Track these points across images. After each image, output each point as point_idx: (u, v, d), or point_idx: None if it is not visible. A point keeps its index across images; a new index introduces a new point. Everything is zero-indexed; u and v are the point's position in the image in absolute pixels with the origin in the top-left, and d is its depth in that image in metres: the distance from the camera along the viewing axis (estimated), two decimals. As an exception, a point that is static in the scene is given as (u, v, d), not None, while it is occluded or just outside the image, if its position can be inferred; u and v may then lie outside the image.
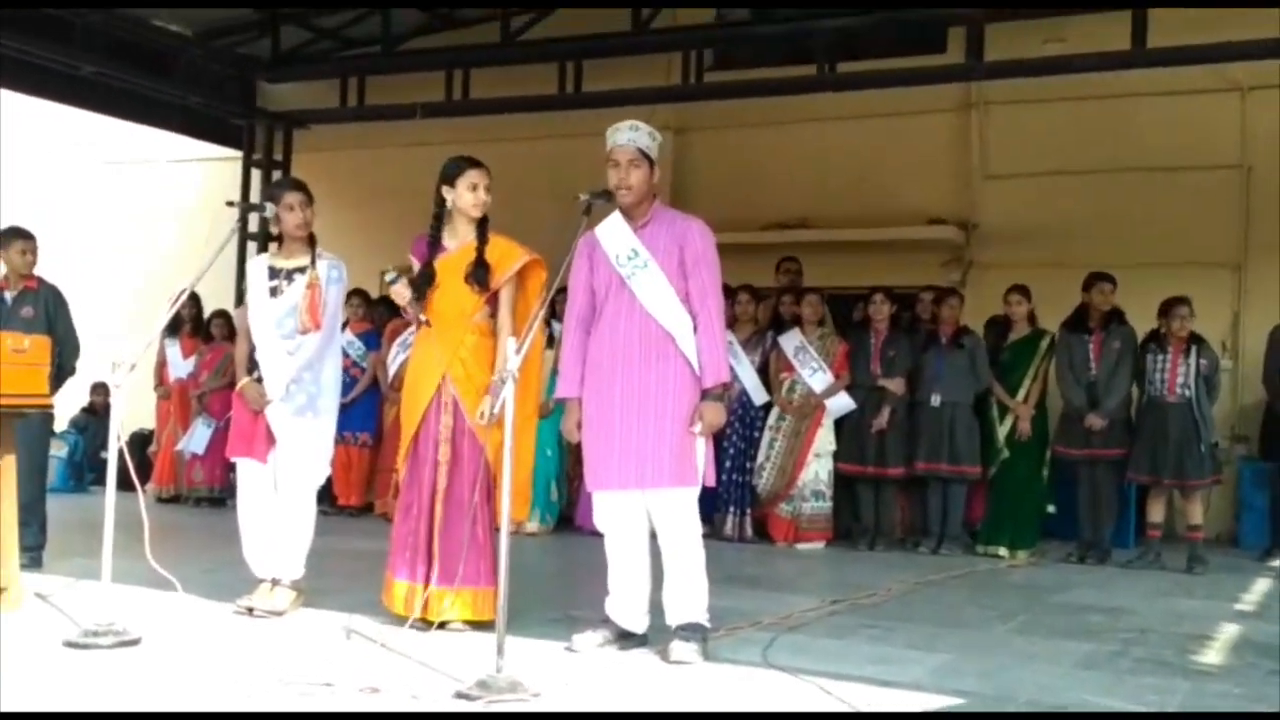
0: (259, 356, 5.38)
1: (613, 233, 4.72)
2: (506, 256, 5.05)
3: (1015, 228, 10.31)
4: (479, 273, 5.00)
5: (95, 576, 4.75)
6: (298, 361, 5.29)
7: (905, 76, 10.01)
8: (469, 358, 5.00)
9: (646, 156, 4.67)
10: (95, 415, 11.72)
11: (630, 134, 4.68)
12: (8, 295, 6.61)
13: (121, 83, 11.02)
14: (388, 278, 5.07)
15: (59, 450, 10.93)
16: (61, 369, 6.61)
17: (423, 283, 5.05)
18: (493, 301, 5.06)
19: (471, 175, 5.05)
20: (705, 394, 4.60)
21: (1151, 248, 9.56)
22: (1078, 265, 8.49)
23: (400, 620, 4.86)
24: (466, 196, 5.04)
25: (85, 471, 11.56)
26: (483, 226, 5.09)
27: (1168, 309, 7.93)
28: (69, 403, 10.68)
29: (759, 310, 8.99)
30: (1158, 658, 4.91)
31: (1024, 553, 8.11)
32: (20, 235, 6.70)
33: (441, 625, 4.83)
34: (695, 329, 4.62)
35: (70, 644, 4.47)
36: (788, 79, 10.28)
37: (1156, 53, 8.79)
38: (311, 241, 5.46)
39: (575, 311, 4.82)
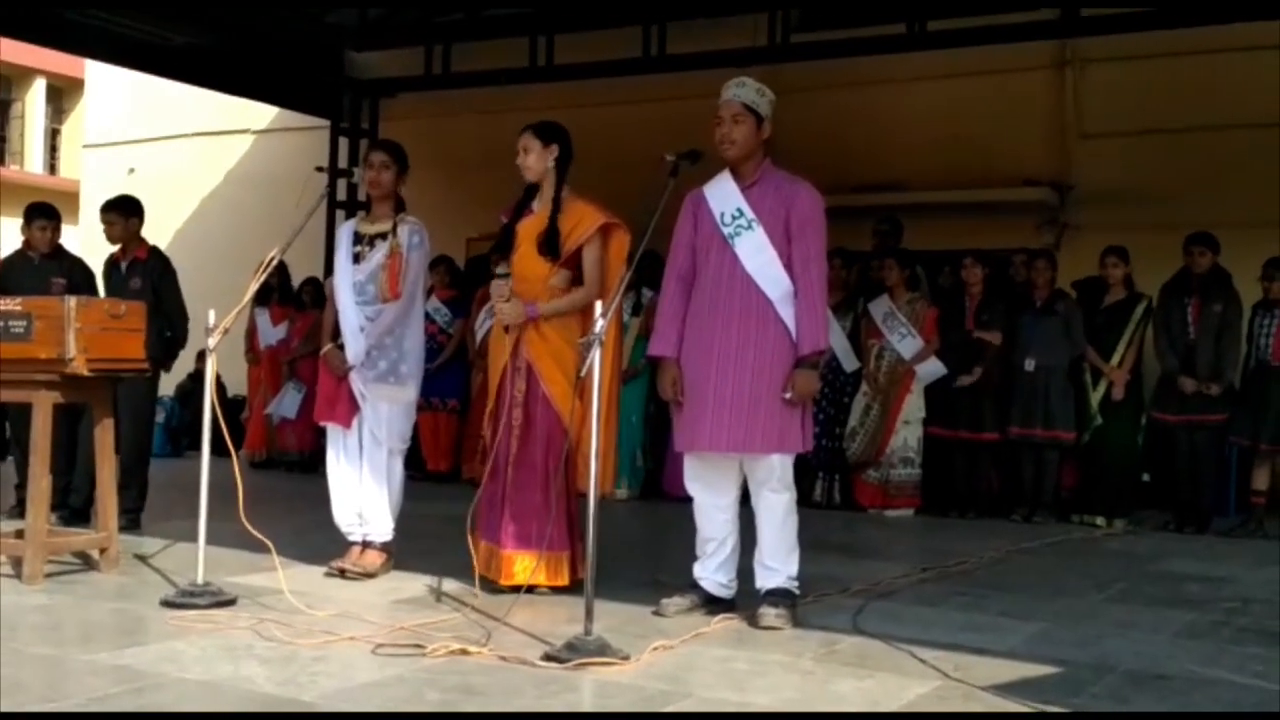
0: (340, 322, 5.42)
1: (719, 190, 4.66)
2: (581, 222, 5.01)
3: (1112, 188, 10.00)
4: (549, 240, 4.98)
5: (191, 538, 4.84)
6: (378, 328, 5.31)
7: (998, 33, 9.72)
8: (543, 322, 4.99)
9: (752, 111, 4.58)
10: (200, 383, 11.89)
11: (735, 90, 4.61)
12: (122, 265, 6.76)
13: (212, 54, 11.14)
14: (499, 270, 5.05)
15: (156, 416, 11.14)
16: (173, 340, 6.75)
17: (501, 244, 5.06)
18: (571, 265, 5.03)
19: (519, 140, 5.07)
20: (800, 361, 4.53)
21: (1256, 208, 9.19)
22: (1178, 227, 8.20)
23: (486, 583, 4.88)
24: (519, 161, 5.06)
25: (182, 437, 11.79)
26: (558, 192, 5.06)
27: (1264, 270, 7.71)
28: (176, 371, 10.85)
29: (850, 274, 8.87)
30: (1261, 628, 4.77)
31: (1120, 521, 7.93)
32: (113, 207, 6.82)
33: (530, 590, 4.84)
34: (796, 294, 4.54)
35: (167, 603, 4.57)
36: (877, 38, 10.08)
37: (1261, 6, 8.47)
38: (398, 206, 5.48)
39: (675, 269, 4.73)
